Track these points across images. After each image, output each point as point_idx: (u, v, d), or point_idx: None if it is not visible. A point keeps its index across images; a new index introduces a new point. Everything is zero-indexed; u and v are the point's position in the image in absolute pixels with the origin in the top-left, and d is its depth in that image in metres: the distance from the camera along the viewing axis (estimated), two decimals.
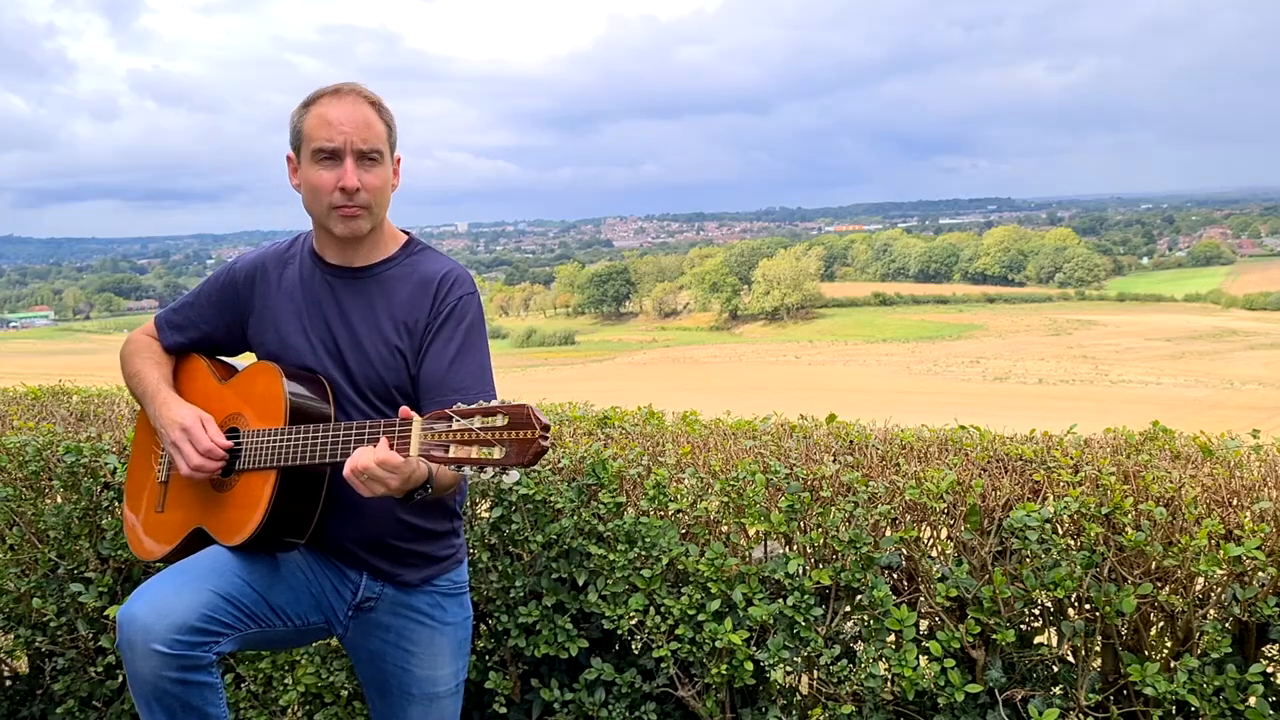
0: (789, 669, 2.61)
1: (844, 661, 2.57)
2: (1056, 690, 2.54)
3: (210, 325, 2.25)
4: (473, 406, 1.76)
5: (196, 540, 2.14)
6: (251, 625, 2.02)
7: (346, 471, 1.80)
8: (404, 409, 1.83)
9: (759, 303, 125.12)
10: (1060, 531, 2.50)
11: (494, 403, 1.74)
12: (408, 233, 2.22)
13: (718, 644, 2.59)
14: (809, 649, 2.57)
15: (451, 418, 1.76)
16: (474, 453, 1.73)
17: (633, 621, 2.75)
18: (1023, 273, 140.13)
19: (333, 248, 2.14)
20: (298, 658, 3.00)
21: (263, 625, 2.05)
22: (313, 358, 2.12)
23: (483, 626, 2.90)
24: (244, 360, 2.35)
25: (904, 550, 2.63)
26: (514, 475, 1.73)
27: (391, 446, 1.81)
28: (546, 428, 1.71)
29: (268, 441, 2.01)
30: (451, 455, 1.75)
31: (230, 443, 2.06)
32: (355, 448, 1.87)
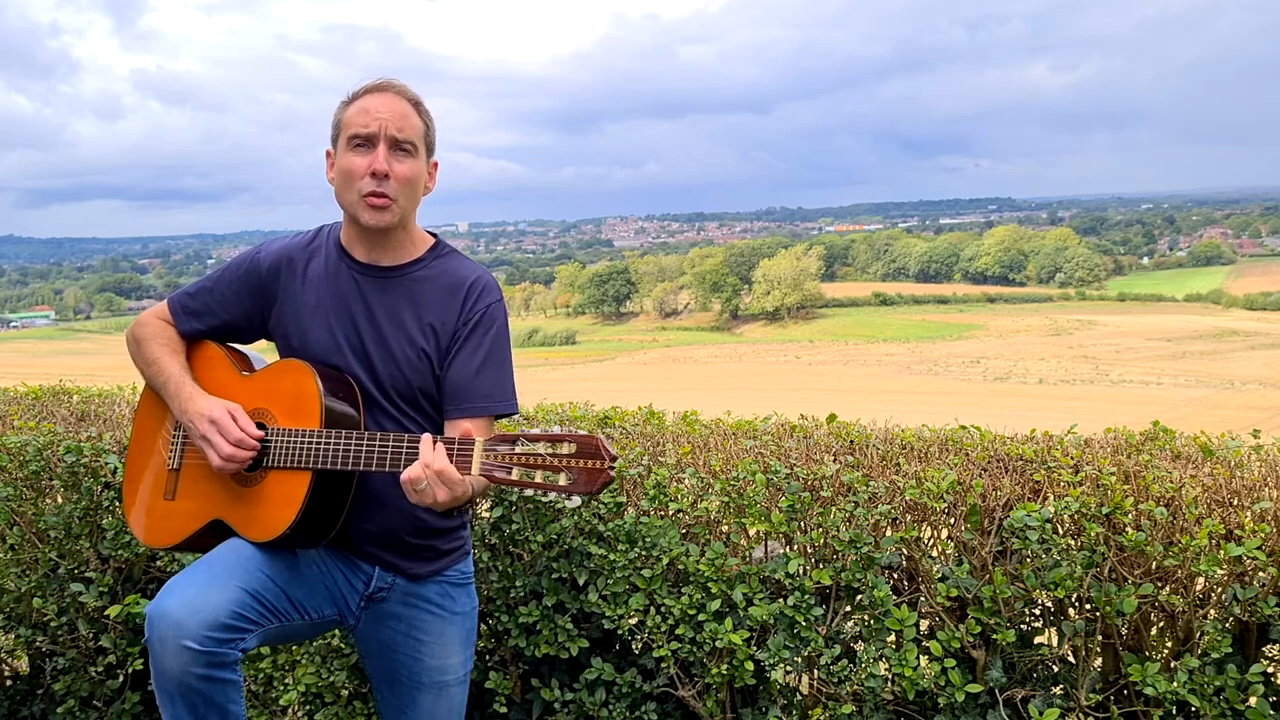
0: (789, 669, 2.61)
1: (844, 661, 2.57)
2: (1057, 690, 2.54)
3: (230, 314, 2.23)
4: (539, 432, 1.79)
5: (212, 531, 2.13)
6: (273, 620, 2.03)
7: (404, 478, 1.85)
8: (465, 429, 1.87)
9: (759, 303, 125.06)
10: (1061, 531, 2.50)
11: (562, 431, 1.79)
12: (434, 234, 2.23)
13: (718, 644, 2.59)
14: (809, 649, 2.57)
15: (516, 440, 1.80)
16: (538, 477, 1.78)
17: (633, 621, 2.75)
18: (1023, 273, 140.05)
19: (361, 244, 2.15)
20: (298, 657, 3.00)
21: (283, 620, 2.05)
22: (337, 355, 2.12)
23: (483, 626, 2.90)
24: (254, 349, 2.33)
25: (904, 550, 2.64)
26: (576, 500, 1.77)
27: (451, 461, 1.85)
28: (614, 458, 1.76)
29: (303, 442, 2.00)
30: (515, 478, 1.79)
31: (261, 433, 2.05)
32: (406, 459, 1.91)
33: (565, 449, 1.77)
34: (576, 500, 1.77)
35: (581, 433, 1.78)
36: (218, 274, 2.26)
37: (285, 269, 2.19)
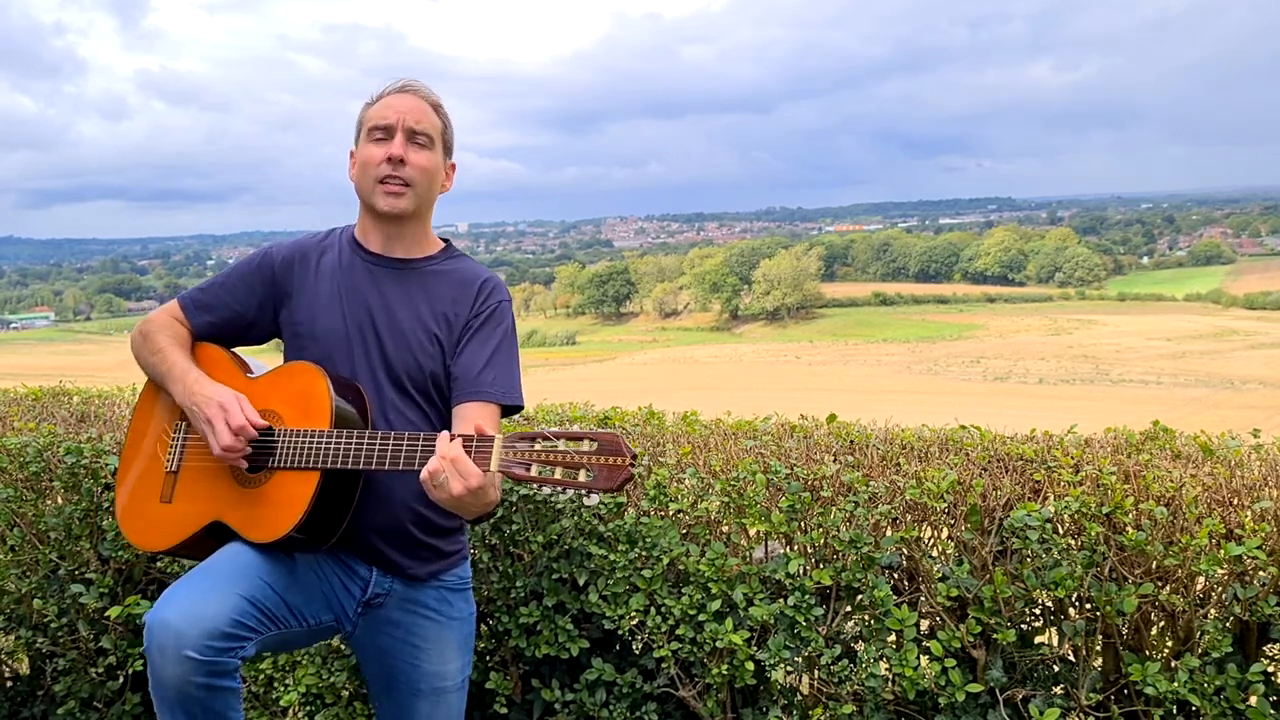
0: (790, 669, 2.61)
1: (845, 661, 2.57)
2: (1057, 690, 2.55)
3: (242, 305, 2.25)
4: (559, 430, 1.79)
5: (208, 534, 2.12)
6: (272, 628, 2.01)
7: (425, 474, 1.84)
8: (479, 426, 1.87)
9: (759, 303, 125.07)
10: (1061, 531, 2.51)
11: (582, 429, 1.78)
12: (446, 240, 2.30)
13: (718, 644, 2.59)
14: (810, 649, 2.57)
15: (535, 437, 1.79)
16: (558, 474, 1.77)
17: (633, 622, 2.75)
18: (1023, 272, 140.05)
19: (376, 236, 2.21)
20: (299, 659, 3.00)
21: (281, 627, 2.04)
22: (347, 339, 2.14)
23: (483, 627, 2.90)
24: (258, 360, 2.33)
25: (905, 550, 2.64)
26: (595, 498, 1.76)
27: (470, 456, 1.84)
28: (635, 456, 1.76)
29: (313, 442, 1.99)
30: (533, 475, 1.78)
31: (264, 423, 2.04)
32: (421, 457, 1.90)
33: (585, 446, 1.76)
34: (595, 498, 1.76)
35: (602, 430, 1.78)
36: (229, 270, 2.31)
37: (299, 262, 2.23)
